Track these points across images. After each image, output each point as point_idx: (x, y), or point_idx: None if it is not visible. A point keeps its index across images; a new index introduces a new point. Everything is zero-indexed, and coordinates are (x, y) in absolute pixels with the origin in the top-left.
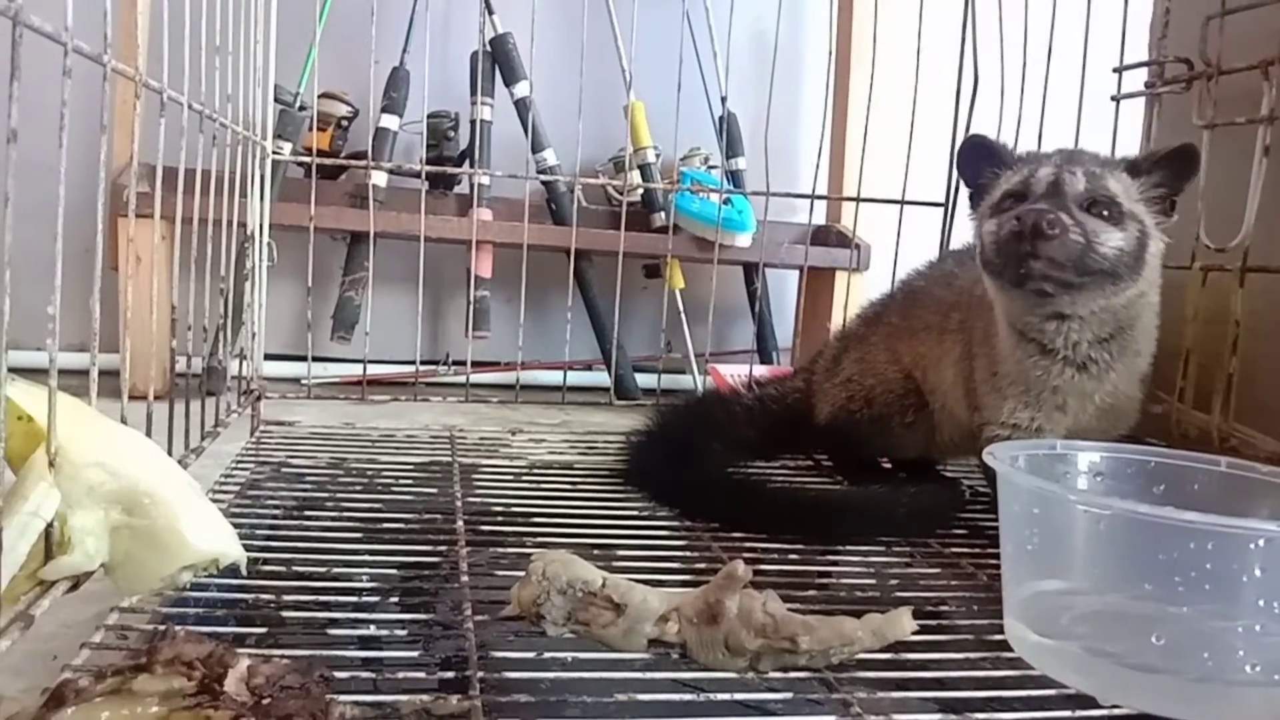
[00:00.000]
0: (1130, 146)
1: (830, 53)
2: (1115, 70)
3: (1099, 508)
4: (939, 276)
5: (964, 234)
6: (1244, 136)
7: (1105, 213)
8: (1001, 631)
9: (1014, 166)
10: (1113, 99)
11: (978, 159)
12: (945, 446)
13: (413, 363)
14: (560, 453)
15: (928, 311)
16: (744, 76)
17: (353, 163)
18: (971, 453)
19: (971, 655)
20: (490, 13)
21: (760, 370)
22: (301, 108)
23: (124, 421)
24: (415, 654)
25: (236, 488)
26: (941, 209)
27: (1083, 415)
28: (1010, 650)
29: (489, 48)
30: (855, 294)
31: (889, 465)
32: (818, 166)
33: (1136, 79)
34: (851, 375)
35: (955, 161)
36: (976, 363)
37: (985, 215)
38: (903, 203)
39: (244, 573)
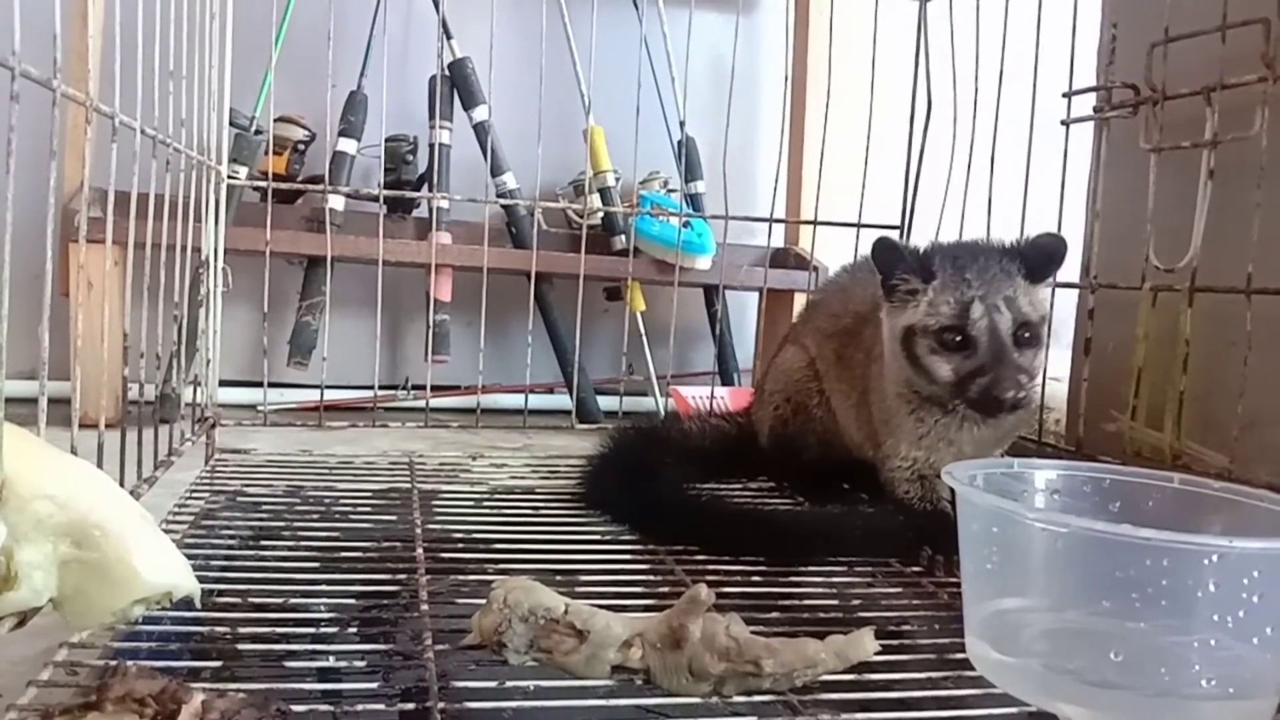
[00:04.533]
0: (1081, 168)
1: (786, 78)
2: (1065, 95)
3: (1057, 526)
4: (837, 290)
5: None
6: (1189, 160)
7: (1028, 335)
8: (963, 650)
9: (918, 271)
10: (1062, 123)
11: (887, 260)
12: (845, 442)
13: (371, 388)
14: (522, 477)
15: (827, 320)
16: (702, 101)
17: (310, 187)
18: (868, 453)
19: (934, 674)
20: (449, 37)
21: (722, 392)
22: (258, 132)
23: (74, 451)
24: (375, 685)
25: (190, 518)
26: (897, 232)
27: (978, 449)
28: (972, 669)
29: (447, 72)
30: None
31: (847, 485)
32: (775, 190)
33: (1086, 104)
34: (773, 389)
35: (871, 254)
36: (873, 409)
37: (928, 346)
38: (859, 226)
39: (198, 605)
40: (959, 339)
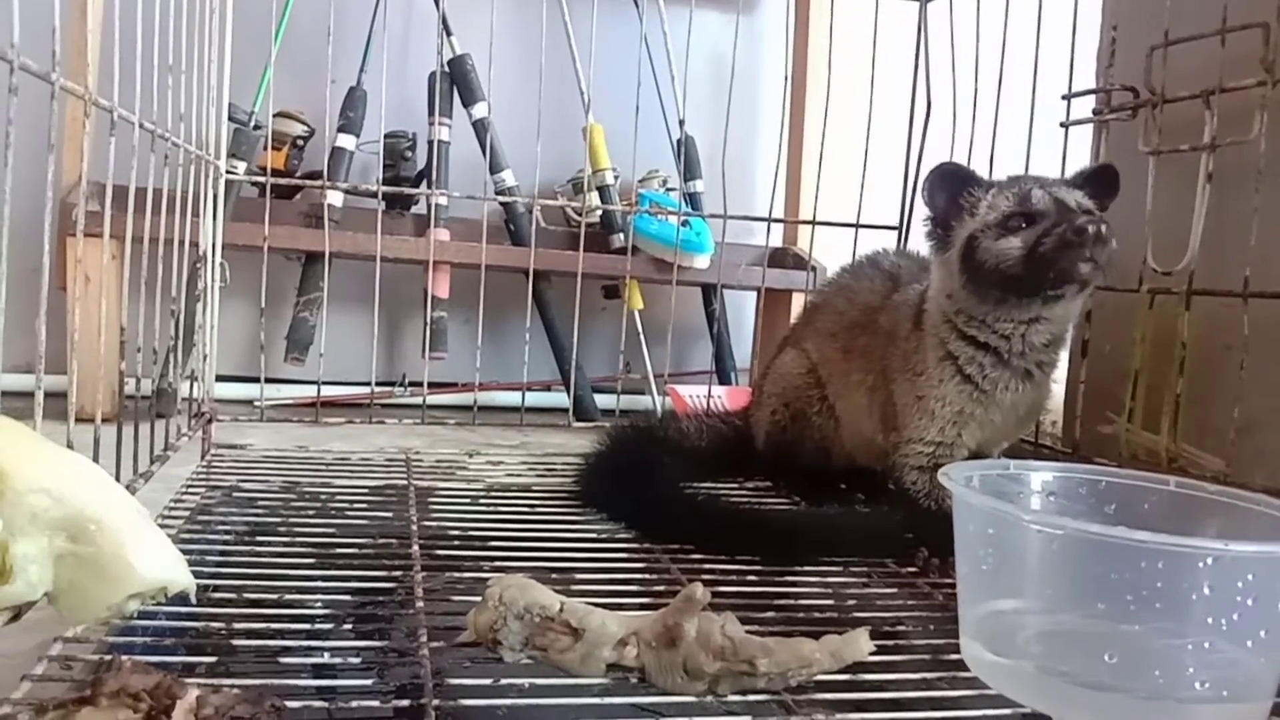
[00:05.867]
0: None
1: (786, 78)
2: (1064, 97)
3: (1052, 528)
4: (838, 290)
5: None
6: (1188, 163)
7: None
8: (958, 651)
9: (986, 189)
10: (1062, 125)
11: (950, 186)
12: (846, 449)
13: (368, 384)
14: (518, 475)
15: (830, 319)
16: (701, 100)
17: (308, 183)
18: (871, 459)
19: (928, 675)
20: (448, 34)
21: (719, 391)
22: (256, 127)
23: (70, 445)
24: (369, 682)
25: (186, 513)
26: (895, 232)
27: (1004, 426)
28: (966, 670)
29: (447, 68)
30: None
31: (844, 486)
32: (774, 190)
33: (1085, 106)
34: (771, 392)
35: (925, 187)
36: (897, 388)
37: (994, 235)
38: (858, 226)
39: (193, 600)
40: (1023, 223)
